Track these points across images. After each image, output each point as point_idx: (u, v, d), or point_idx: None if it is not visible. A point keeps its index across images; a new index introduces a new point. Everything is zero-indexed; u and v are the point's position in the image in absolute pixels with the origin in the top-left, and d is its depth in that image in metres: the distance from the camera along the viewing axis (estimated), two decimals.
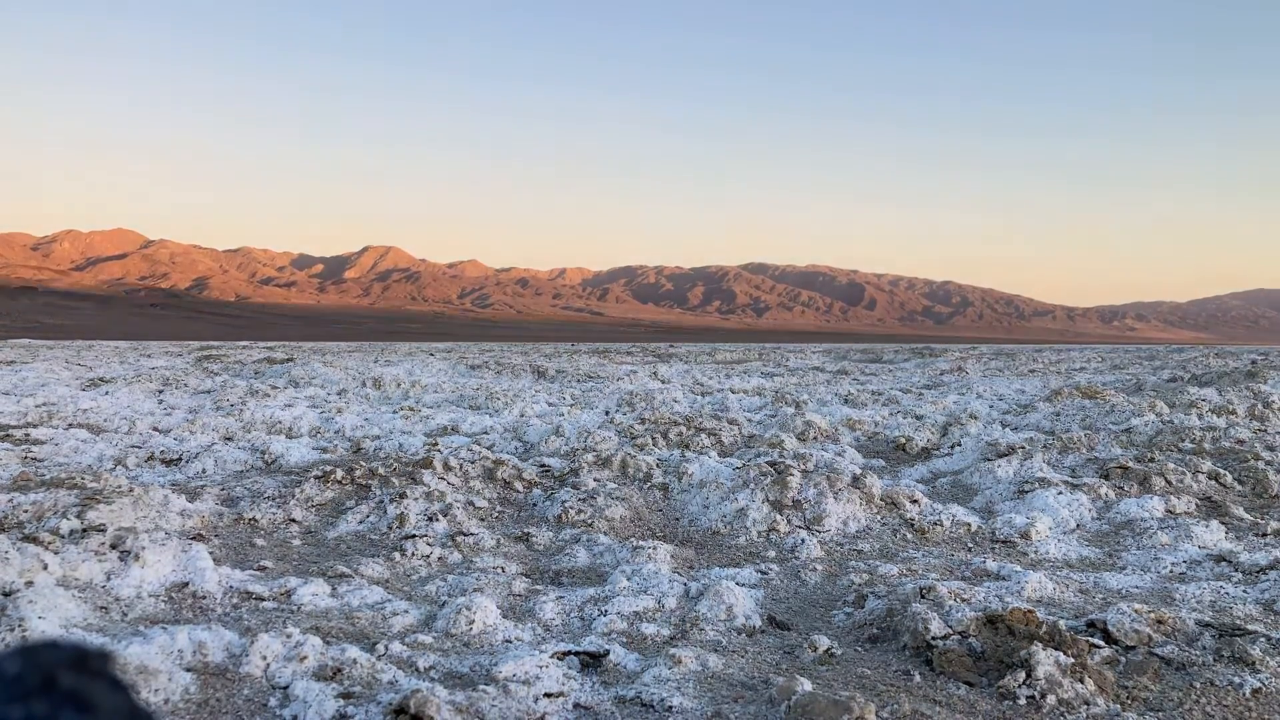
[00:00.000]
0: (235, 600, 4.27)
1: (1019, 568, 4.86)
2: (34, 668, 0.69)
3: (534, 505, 6.27)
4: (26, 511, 5.26)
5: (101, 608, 4.08)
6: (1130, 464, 6.97)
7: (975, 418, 9.98)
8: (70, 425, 10.29)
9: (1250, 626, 3.84)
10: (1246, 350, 29.15)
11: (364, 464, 6.88)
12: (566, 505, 6.02)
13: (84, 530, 4.86)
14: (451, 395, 14.15)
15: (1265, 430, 8.72)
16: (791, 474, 6.22)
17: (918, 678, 3.45)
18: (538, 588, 4.60)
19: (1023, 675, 3.30)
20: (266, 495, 6.29)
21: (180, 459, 8.08)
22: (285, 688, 3.23)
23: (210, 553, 4.81)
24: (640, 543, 5.24)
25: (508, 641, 3.79)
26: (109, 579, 4.37)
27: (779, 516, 5.82)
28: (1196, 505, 6.23)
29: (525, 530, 5.72)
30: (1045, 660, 3.32)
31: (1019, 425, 10.06)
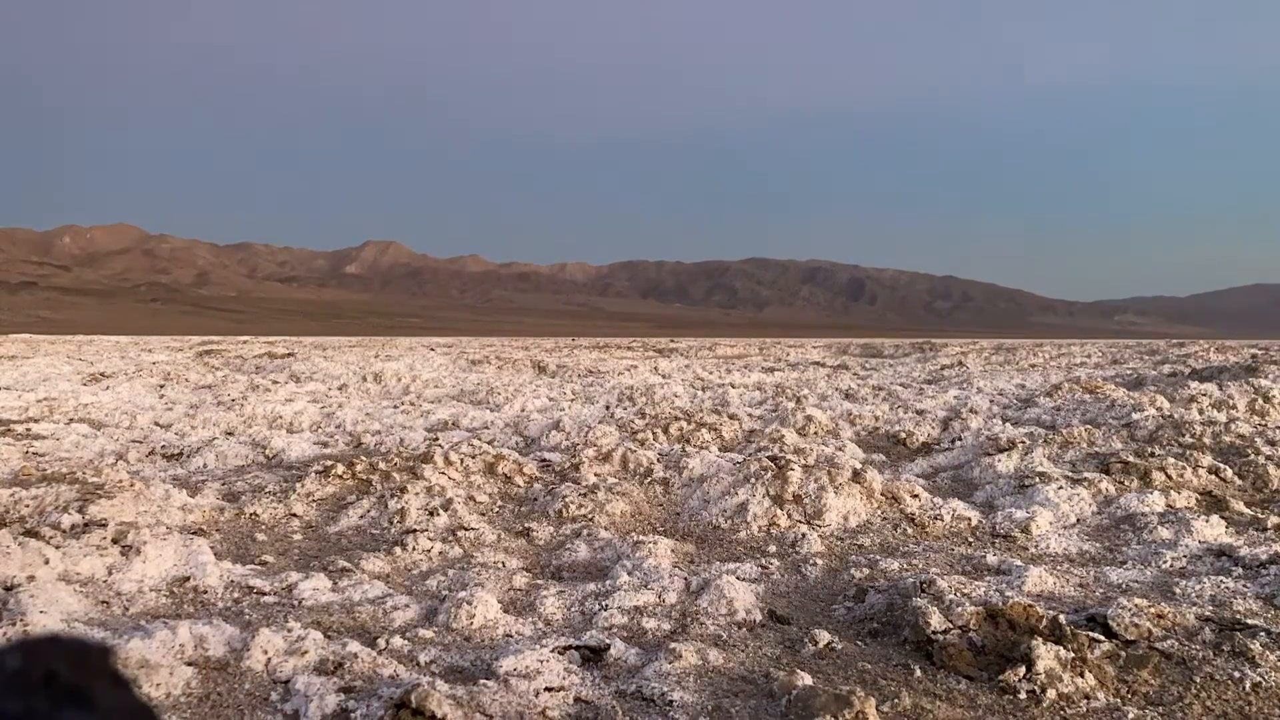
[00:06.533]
0: (236, 595, 4.27)
1: (1019, 562, 4.86)
2: (35, 663, 0.69)
3: (534, 500, 6.27)
4: (28, 506, 5.26)
5: (103, 602, 4.08)
6: (1131, 459, 6.97)
7: (976, 412, 9.98)
8: (71, 420, 10.30)
9: (1250, 621, 3.84)
10: (1247, 345, 29.12)
11: (365, 459, 6.89)
12: (567, 500, 6.02)
13: (85, 525, 4.86)
14: (452, 390, 14.15)
15: (1266, 425, 8.72)
16: (792, 469, 6.22)
17: (918, 672, 3.46)
18: (538, 582, 4.60)
19: (1023, 669, 3.31)
20: (267, 490, 6.30)
21: (181, 454, 8.09)
22: (286, 682, 3.23)
23: (211, 547, 4.82)
24: (641, 537, 5.25)
25: (509, 636, 3.79)
26: (110, 573, 4.38)
27: (779, 511, 5.82)
28: (1197, 500, 6.23)
29: (526, 525, 5.72)
30: (1046, 654, 3.33)
31: (1019, 420, 10.06)
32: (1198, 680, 3.35)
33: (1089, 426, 8.46)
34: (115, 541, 4.60)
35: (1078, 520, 5.91)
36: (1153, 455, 7.07)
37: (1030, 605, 3.66)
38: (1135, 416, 8.86)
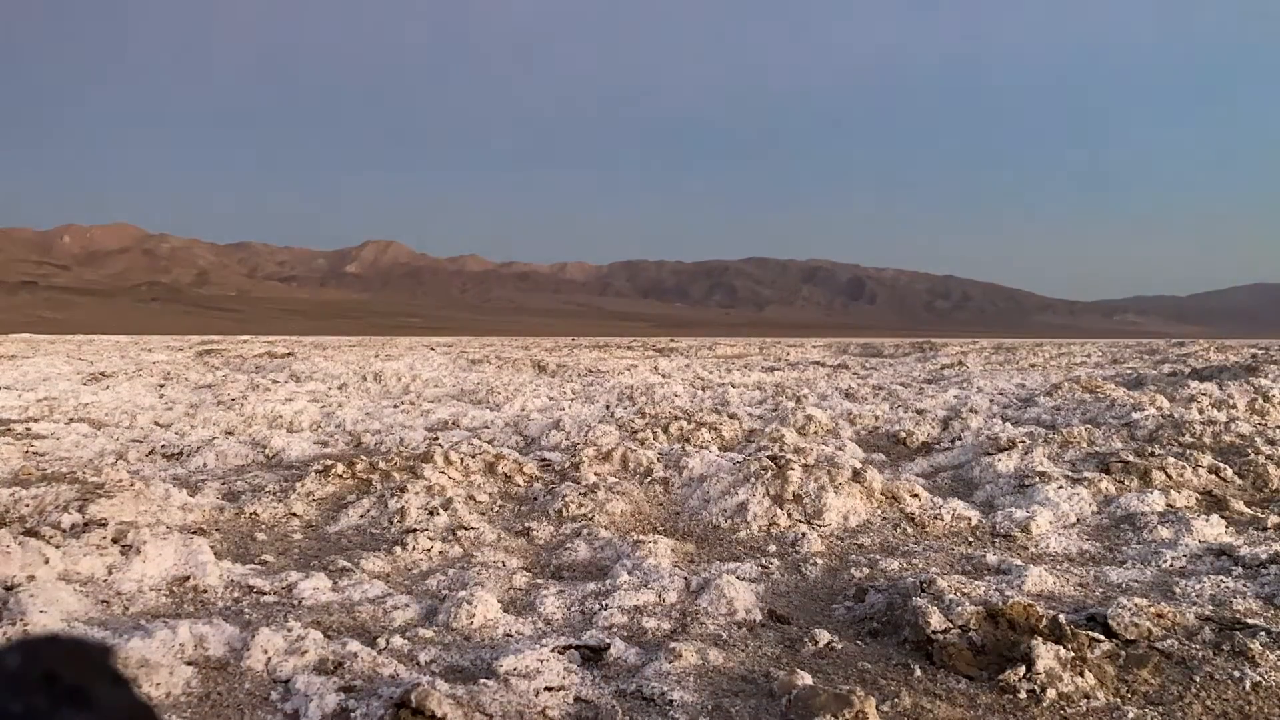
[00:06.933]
0: (236, 594, 4.27)
1: (1019, 562, 4.86)
2: (35, 662, 0.69)
3: (535, 499, 6.27)
4: (28, 506, 5.26)
5: (103, 602, 4.08)
6: (1131, 458, 6.97)
7: (976, 412, 9.98)
8: (71, 420, 10.30)
9: (1250, 620, 3.85)
10: (1247, 345, 29.11)
11: (365, 458, 6.89)
12: (567, 499, 6.02)
13: (85, 524, 4.86)
14: (452, 390, 14.16)
15: (1266, 425, 8.72)
16: (792, 468, 6.22)
17: (918, 671, 3.46)
18: (538, 582, 4.60)
19: (1023, 669, 3.31)
20: (267, 489, 6.30)
21: (181, 453, 8.09)
22: (286, 682, 3.23)
23: (211, 547, 4.82)
24: (641, 537, 5.25)
25: (509, 636, 3.79)
26: (110, 573, 4.38)
27: (779, 511, 5.82)
28: (1197, 499, 6.23)
29: (526, 524, 5.72)
30: (1045, 654, 3.33)
31: (1019, 419, 10.06)
32: (1198, 680, 3.35)
33: (1089, 426, 8.46)
34: (115, 541, 4.60)
35: (1078, 520, 5.91)
36: (1153, 455, 7.06)
37: (1030, 605, 3.66)
38: (1135, 416, 8.86)
